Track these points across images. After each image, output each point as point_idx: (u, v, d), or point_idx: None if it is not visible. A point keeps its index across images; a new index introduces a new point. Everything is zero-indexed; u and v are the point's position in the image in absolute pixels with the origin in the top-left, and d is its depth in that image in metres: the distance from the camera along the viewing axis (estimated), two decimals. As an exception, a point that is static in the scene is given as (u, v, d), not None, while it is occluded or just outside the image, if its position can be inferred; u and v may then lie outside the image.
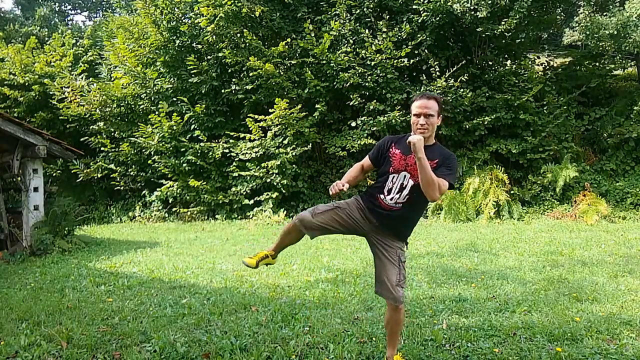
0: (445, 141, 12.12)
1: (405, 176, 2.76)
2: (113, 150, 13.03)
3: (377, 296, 4.55)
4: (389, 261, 2.81)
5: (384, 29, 11.38)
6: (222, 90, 12.12)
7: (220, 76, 12.35)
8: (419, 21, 11.51)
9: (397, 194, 2.77)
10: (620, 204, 10.60)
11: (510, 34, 11.53)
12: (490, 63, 12.92)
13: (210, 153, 11.70)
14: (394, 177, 2.78)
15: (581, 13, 11.61)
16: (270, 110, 11.21)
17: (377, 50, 11.36)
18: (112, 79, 13.82)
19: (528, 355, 3.10)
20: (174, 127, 11.75)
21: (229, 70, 12.08)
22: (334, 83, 11.52)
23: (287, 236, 3.00)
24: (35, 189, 8.13)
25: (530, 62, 13.69)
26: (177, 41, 12.38)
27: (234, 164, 11.55)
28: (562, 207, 10.61)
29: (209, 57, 12.48)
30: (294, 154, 11.16)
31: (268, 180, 11.22)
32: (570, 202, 10.72)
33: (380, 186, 2.83)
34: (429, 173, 2.58)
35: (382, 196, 2.80)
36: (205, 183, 11.66)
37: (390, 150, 2.86)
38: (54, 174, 13.88)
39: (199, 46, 12.35)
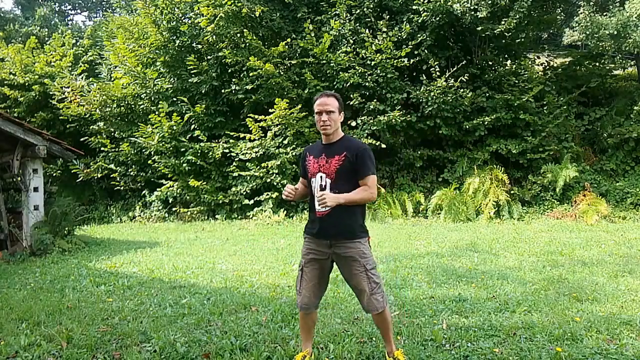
0: (445, 141, 12.15)
1: (321, 177, 2.87)
2: (113, 150, 13.04)
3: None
4: (354, 276, 2.84)
5: (384, 29, 11.38)
6: (222, 90, 12.12)
7: (220, 76, 12.35)
8: (419, 21, 11.51)
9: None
10: (620, 204, 10.60)
11: (510, 34, 11.54)
12: (490, 63, 12.93)
13: (210, 153, 11.70)
14: (313, 181, 2.91)
15: (581, 13, 11.60)
16: (270, 110, 11.22)
17: (377, 50, 11.36)
18: (112, 79, 13.82)
19: (528, 355, 3.10)
20: (174, 127, 11.75)
21: (229, 70, 12.08)
22: (334, 83, 11.52)
23: (306, 326, 3.07)
24: (35, 189, 8.13)
25: (530, 62, 13.69)
26: (177, 41, 12.38)
27: (234, 164, 11.55)
28: (562, 207, 10.61)
29: (209, 57, 12.48)
30: (294, 154, 11.16)
31: (268, 180, 11.22)
32: (570, 202, 10.72)
33: (311, 198, 2.96)
34: (356, 199, 2.76)
35: (316, 205, 2.85)
36: (205, 183, 11.66)
37: (306, 159, 3.01)
38: (54, 174, 13.90)
39: (199, 46, 12.35)
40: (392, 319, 3.84)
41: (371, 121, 11.23)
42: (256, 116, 11.30)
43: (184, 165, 11.72)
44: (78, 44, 16.82)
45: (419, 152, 11.83)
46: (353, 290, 2.98)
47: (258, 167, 11.25)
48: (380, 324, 2.97)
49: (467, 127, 11.43)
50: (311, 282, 2.93)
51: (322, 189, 2.84)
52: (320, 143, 3.00)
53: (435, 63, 11.33)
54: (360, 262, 2.82)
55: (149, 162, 12.33)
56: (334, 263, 2.95)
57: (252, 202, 11.47)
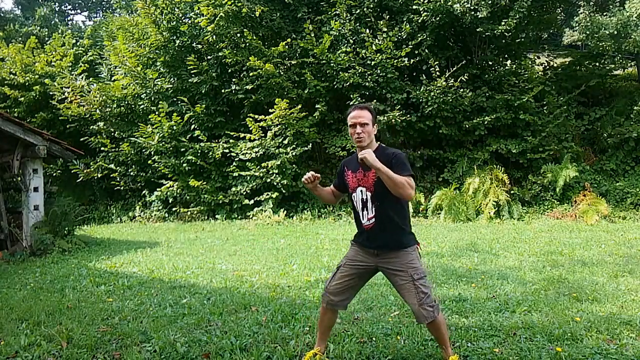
0: (445, 141, 12.14)
1: (361, 191, 2.87)
2: (113, 150, 13.04)
3: (377, 296, 4.57)
4: (402, 286, 2.80)
5: (384, 29, 11.38)
6: (222, 90, 12.12)
7: (220, 76, 12.35)
8: (419, 21, 11.51)
9: (364, 211, 2.87)
10: (620, 204, 10.60)
11: (510, 34, 11.54)
12: (490, 63, 12.93)
13: (210, 153, 11.70)
14: (354, 196, 2.91)
15: (581, 13, 11.61)
16: (270, 110, 11.22)
17: (377, 50, 11.36)
18: (113, 79, 13.82)
19: (528, 355, 3.09)
20: (174, 127, 11.75)
21: (229, 70, 12.08)
22: (334, 83, 11.52)
23: (323, 322, 3.04)
24: (35, 189, 8.13)
25: (530, 62, 13.69)
26: (177, 41, 12.39)
27: (234, 164, 11.55)
28: (562, 207, 10.61)
29: (209, 57, 12.48)
30: (294, 154, 11.17)
31: (268, 180, 11.22)
32: (570, 202, 10.72)
33: (355, 212, 2.96)
34: (392, 177, 2.63)
35: (361, 220, 2.90)
36: (205, 183, 11.66)
37: (345, 173, 3.00)
38: (54, 174, 13.90)
39: (199, 46, 12.35)
40: (394, 319, 3.84)
41: (371, 121, 11.20)
42: (256, 116, 11.30)
43: (184, 165, 11.72)
44: (78, 44, 16.81)
45: (419, 152, 11.83)
46: (402, 298, 2.92)
47: (258, 167, 11.25)
48: (434, 333, 2.92)
49: (467, 127, 11.44)
50: (344, 280, 2.91)
51: (364, 203, 2.85)
52: (357, 156, 2.92)
53: (435, 63, 11.33)
54: (408, 272, 2.77)
55: (149, 162, 12.33)
56: (377, 270, 2.94)
57: (252, 202, 11.47)
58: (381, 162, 2.69)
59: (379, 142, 2.98)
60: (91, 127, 13.38)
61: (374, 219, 2.83)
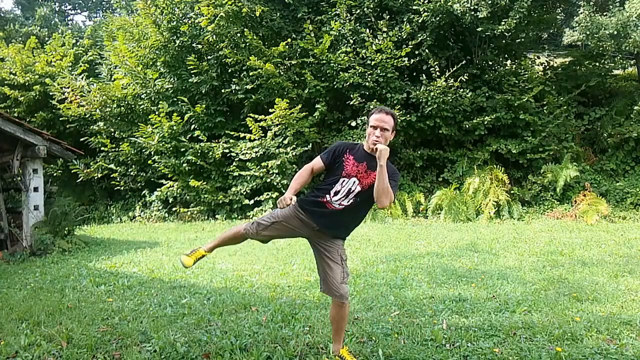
0: (445, 141, 12.15)
1: (354, 182, 2.91)
2: (113, 150, 13.04)
3: (377, 296, 4.57)
4: (332, 261, 2.96)
5: (384, 29, 11.38)
6: (222, 90, 12.12)
7: (220, 76, 12.35)
8: (419, 21, 11.51)
9: (343, 196, 2.91)
10: (620, 204, 10.60)
11: (510, 34, 11.54)
12: (490, 63, 12.93)
13: (210, 153, 11.69)
14: (344, 180, 2.91)
15: (581, 13, 11.59)
16: (270, 110, 11.22)
17: (377, 50, 11.36)
18: (113, 79, 13.82)
19: (528, 355, 3.09)
20: (174, 127, 11.75)
21: (229, 70, 12.09)
22: (334, 83, 11.52)
23: (232, 240, 3.26)
24: (35, 189, 8.13)
25: (530, 62, 13.69)
26: (178, 41, 12.39)
27: (234, 164, 11.55)
28: (562, 207, 10.61)
29: (209, 57, 12.48)
30: (294, 154, 11.16)
31: (268, 180, 11.22)
32: (570, 202, 10.72)
33: (327, 188, 2.97)
34: (386, 180, 2.77)
35: (327, 197, 2.93)
36: (205, 183, 11.66)
37: (345, 155, 2.99)
38: (54, 174, 13.89)
39: (199, 46, 12.35)
40: (394, 319, 3.85)
41: (371, 121, 11.21)
42: (256, 116, 11.30)
43: (184, 165, 11.72)
44: (78, 44, 16.81)
45: (419, 152, 11.83)
46: (324, 277, 3.03)
47: (258, 167, 11.25)
48: (337, 317, 3.04)
49: (467, 127, 11.44)
50: (272, 233, 3.08)
51: (349, 192, 2.89)
52: (363, 150, 2.97)
53: (435, 63, 11.34)
54: (338, 252, 2.98)
55: (149, 162, 12.32)
56: (309, 241, 3.08)
57: (252, 202, 11.47)
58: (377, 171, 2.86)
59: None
60: (91, 127, 13.37)
61: (343, 208, 2.90)
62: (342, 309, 3.00)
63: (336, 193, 2.91)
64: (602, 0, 12.18)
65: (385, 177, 2.75)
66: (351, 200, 2.89)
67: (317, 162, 3.03)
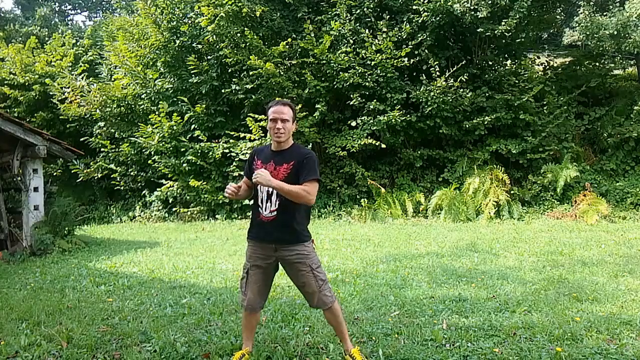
0: (445, 141, 12.14)
1: None
2: (113, 150, 13.04)
3: (377, 296, 4.57)
4: (302, 274, 2.92)
5: (384, 29, 11.38)
6: (223, 90, 12.11)
7: (220, 76, 12.35)
8: (419, 21, 11.51)
9: (267, 202, 2.91)
10: (620, 204, 10.60)
11: (510, 34, 11.53)
12: (490, 63, 12.92)
13: (210, 153, 11.69)
14: (259, 186, 2.91)
15: (581, 13, 11.59)
16: (270, 110, 11.19)
17: (377, 50, 11.36)
18: (113, 79, 13.83)
19: (528, 355, 3.10)
20: (174, 127, 11.75)
21: (229, 70, 12.08)
22: (334, 83, 11.52)
23: (249, 325, 3.12)
24: (35, 189, 8.13)
25: (530, 62, 13.69)
26: (178, 41, 12.39)
27: (234, 163, 11.54)
28: (562, 207, 10.60)
29: (209, 57, 12.48)
30: (294, 154, 11.14)
31: (268, 180, 11.20)
32: (570, 202, 10.71)
33: (255, 202, 3.00)
34: (290, 191, 2.76)
35: (260, 210, 2.94)
36: (205, 183, 11.66)
37: (254, 161, 3.03)
38: (54, 174, 13.89)
39: (199, 46, 12.35)
40: (394, 319, 3.84)
41: (371, 121, 11.22)
42: (256, 116, 11.29)
43: (184, 165, 11.72)
44: (78, 44, 16.81)
45: (419, 152, 11.82)
46: (300, 290, 3.04)
47: (258, 167, 11.23)
48: (332, 321, 3.03)
49: (467, 127, 11.43)
50: (256, 285, 2.99)
51: (269, 195, 2.89)
52: (270, 149, 3.01)
53: (435, 63, 11.33)
54: (306, 262, 2.90)
55: (149, 162, 12.32)
56: (279, 265, 3.02)
57: (252, 202, 11.43)
58: (294, 160, 2.86)
59: (293, 142, 3.04)
60: (91, 127, 13.37)
61: (275, 212, 2.88)
62: (331, 312, 2.99)
63: (262, 202, 2.92)
64: (602, 0, 12.17)
65: (286, 190, 2.75)
66: (277, 201, 2.87)
67: (244, 178, 3.12)
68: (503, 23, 11.02)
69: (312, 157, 2.90)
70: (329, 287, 2.99)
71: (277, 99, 3.12)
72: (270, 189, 2.86)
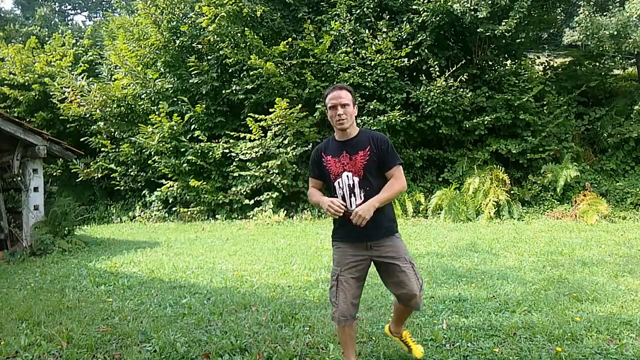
0: (445, 141, 12.14)
1: (347, 176, 2.70)
2: (113, 150, 13.04)
3: (377, 296, 4.56)
4: (403, 273, 2.70)
5: (384, 29, 11.38)
6: (223, 90, 12.12)
7: (220, 76, 12.36)
8: (419, 21, 11.51)
9: (352, 197, 2.69)
10: (621, 204, 10.59)
11: (510, 34, 11.53)
12: (490, 63, 12.92)
13: (211, 153, 11.70)
14: (339, 182, 2.72)
15: (581, 13, 11.59)
16: (270, 110, 11.22)
17: (377, 50, 11.36)
18: (113, 79, 13.83)
19: (528, 355, 3.09)
20: (174, 127, 11.75)
21: (230, 70, 12.09)
22: (334, 83, 11.51)
23: (348, 338, 2.80)
24: (35, 189, 8.13)
25: (530, 62, 13.67)
26: (178, 41, 12.39)
27: (234, 163, 11.55)
28: (562, 207, 10.60)
29: (209, 57, 12.49)
30: (294, 153, 11.16)
31: (268, 180, 11.22)
32: (570, 202, 10.71)
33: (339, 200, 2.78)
34: (390, 194, 2.66)
35: (348, 207, 2.70)
36: (205, 183, 11.66)
37: (322, 158, 2.80)
38: (54, 174, 13.90)
39: (200, 46, 12.35)
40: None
41: (371, 121, 11.22)
42: (256, 116, 11.30)
43: (184, 165, 11.72)
44: (78, 44, 16.82)
45: (419, 152, 11.82)
46: (394, 290, 2.79)
47: (258, 167, 11.25)
48: (404, 314, 3.00)
49: (467, 127, 11.43)
50: (349, 292, 2.71)
51: (351, 189, 2.68)
52: (335, 140, 2.79)
53: (435, 63, 11.33)
54: (406, 258, 2.73)
55: (149, 162, 12.33)
56: (375, 266, 2.80)
57: (252, 202, 11.47)
58: (369, 145, 2.68)
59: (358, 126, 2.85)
60: (91, 127, 13.38)
61: (362, 204, 2.64)
62: (409, 311, 2.94)
63: (345, 198, 2.70)
64: (602, 0, 12.17)
65: (387, 199, 2.65)
66: (362, 193, 2.67)
67: (312, 181, 2.90)
68: (503, 23, 11.02)
69: (388, 142, 2.73)
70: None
71: (333, 85, 2.86)
72: (352, 182, 2.67)
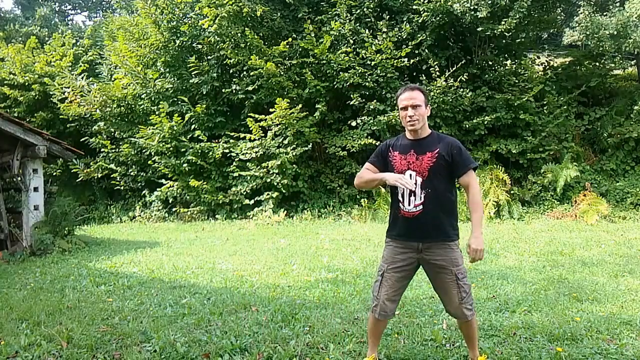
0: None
1: (411, 175, 2.70)
2: (113, 150, 13.04)
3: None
4: (446, 284, 2.72)
5: (384, 29, 11.38)
6: (223, 90, 12.12)
7: (221, 76, 12.35)
8: (419, 21, 11.51)
9: (411, 196, 2.69)
10: (621, 204, 10.60)
11: (510, 34, 11.54)
12: (490, 63, 12.92)
13: (211, 153, 11.69)
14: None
15: (581, 13, 11.60)
16: (270, 110, 11.21)
17: (377, 50, 11.36)
18: (113, 79, 13.83)
19: (528, 355, 3.09)
20: (175, 127, 11.75)
21: (230, 71, 12.09)
22: (334, 83, 11.52)
23: (377, 332, 2.92)
24: (35, 189, 8.13)
25: (530, 62, 13.68)
26: (178, 41, 12.38)
27: (234, 164, 11.54)
28: (562, 207, 10.60)
29: (209, 57, 12.48)
30: (294, 153, 11.16)
31: (268, 180, 11.22)
32: (570, 202, 10.71)
33: (394, 199, 2.79)
34: (482, 212, 2.78)
35: (401, 205, 2.72)
36: (205, 183, 11.66)
37: (389, 153, 2.81)
38: (54, 174, 13.90)
39: (200, 46, 12.35)
40: (394, 318, 3.84)
41: (371, 121, 11.23)
42: (256, 116, 11.29)
43: (184, 165, 11.72)
44: (78, 44, 16.82)
45: (419, 152, 11.81)
46: (438, 294, 2.85)
47: (258, 167, 11.25)
48: (465, 330, 2.89)
49: (467, 126, 11.44)
50: (392, 289, 2.75)
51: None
52: (405, 138, 2.80)
53: (435, 63, 11.33)
54: (452, 270, 2.69)
55: (149, 162, 12.32)
56: (419, 267, 2.82)
57: (252, 202, 11.47)
58: (439, 150, 2.70)
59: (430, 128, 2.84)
60: (91, 127, 13.38)
61: (421, 206, 2.67)
62: (467, 325, 2.82)
63: (403, 197, 2.70)
64: (602, 0, 12.17)
65: (482, 217, 2.77)
66: (423, 194, 2.66)
67: (369, 165, 2.89)
68: (503, 23, 11.02)
69: (462, 146, 2.73)
70: (472, 300, 2.76)
71: (406, 85, 2.85)
72: (414, 181, 2.66)
